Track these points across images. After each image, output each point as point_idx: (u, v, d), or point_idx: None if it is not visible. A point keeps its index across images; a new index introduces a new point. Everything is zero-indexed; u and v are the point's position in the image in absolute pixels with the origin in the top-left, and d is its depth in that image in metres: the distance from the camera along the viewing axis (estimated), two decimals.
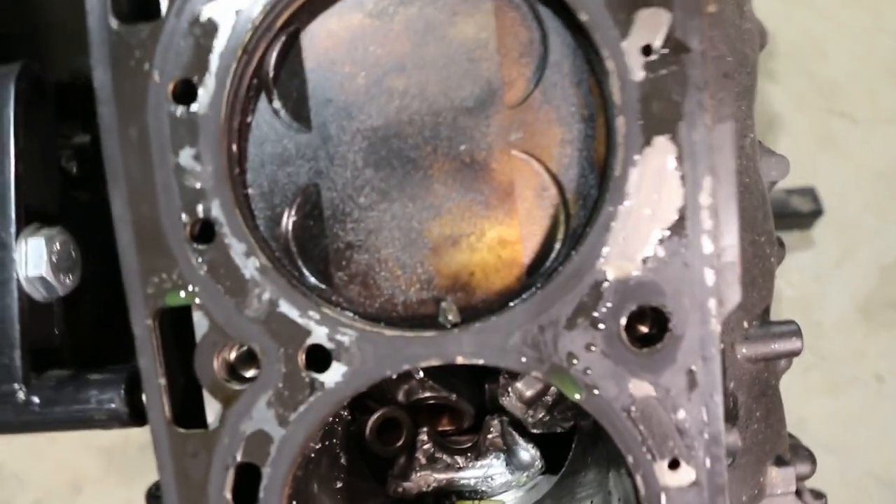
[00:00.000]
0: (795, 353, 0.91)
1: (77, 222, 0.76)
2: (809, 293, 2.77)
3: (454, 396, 0.89)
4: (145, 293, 0.57)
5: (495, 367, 0.55)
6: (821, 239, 2.85)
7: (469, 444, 0.90)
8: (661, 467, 0.56)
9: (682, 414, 0.55)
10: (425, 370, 0.88)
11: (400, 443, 0.87)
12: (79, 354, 0.76)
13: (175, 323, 0.60)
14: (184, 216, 0.56)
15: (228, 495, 0.58)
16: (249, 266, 0.56)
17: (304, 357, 0.56)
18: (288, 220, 0.58)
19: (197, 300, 0.56)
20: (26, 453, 2.60)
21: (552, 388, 0.86)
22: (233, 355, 0.57)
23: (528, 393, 0.87)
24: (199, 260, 0.56)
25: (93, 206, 0.82)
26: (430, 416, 0.93)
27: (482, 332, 0.55)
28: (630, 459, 0.56)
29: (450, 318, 0.56)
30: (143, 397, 0.59)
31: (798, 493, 0.99)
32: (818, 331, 2.70)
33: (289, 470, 0.57)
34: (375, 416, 0.86)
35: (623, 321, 0.54)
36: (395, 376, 0.55)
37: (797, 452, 0.99)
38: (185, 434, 0.58)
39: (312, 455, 0.67)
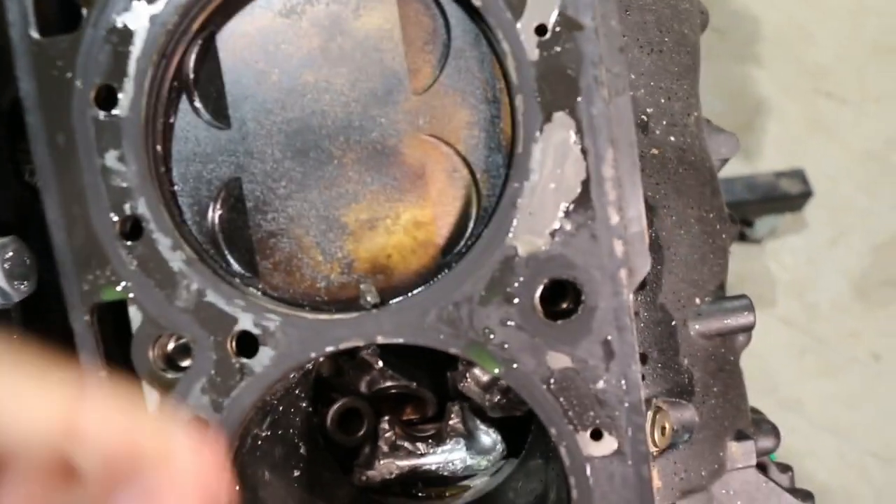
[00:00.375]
0: (749, 328, 0.92)
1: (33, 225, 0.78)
2: (803, 275, 2.77)
3: (415, 385, 0.90)
4: (81, 290, 0.59)
5: (415, 345, 0.57)
6: (813, 221, 2.85)
7: (432, 432, 0.92)
8: (584, 438, 0.58)
9: (601, 384, 0.57)
10: (385, 360, 0.90)
11: (362, 432, 0.89)
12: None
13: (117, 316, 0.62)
14: (112, 215, 0.58)
15: None
16: (177, 259, 0.58)
17: (233, 344, 0.58)
18: (214, 214, 0.61)
19: (130, 294, 0.59)
20: None
21: None
22: (169, 345, 0.59)
23: (485, 378, 0.89)
24: (130, 256, 0.58)
25: None
26: (394, 406, 0.95)
27: (399, 311, 0.57)
28: (553, 431, 0.58)
29: (369, 299, 0.58)
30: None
31: (763, 467, 1.00)
32: (813, 312, 2.70)
33: (226, 454, 0.59)
34: (336, 406, 0.88)
35: (536, 295, 0.56)
36: (322, 359, 0.58)
37: (760, 427, 1.00)
38: None
39: (260, 442, 0.69)
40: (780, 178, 2.62)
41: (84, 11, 0.58)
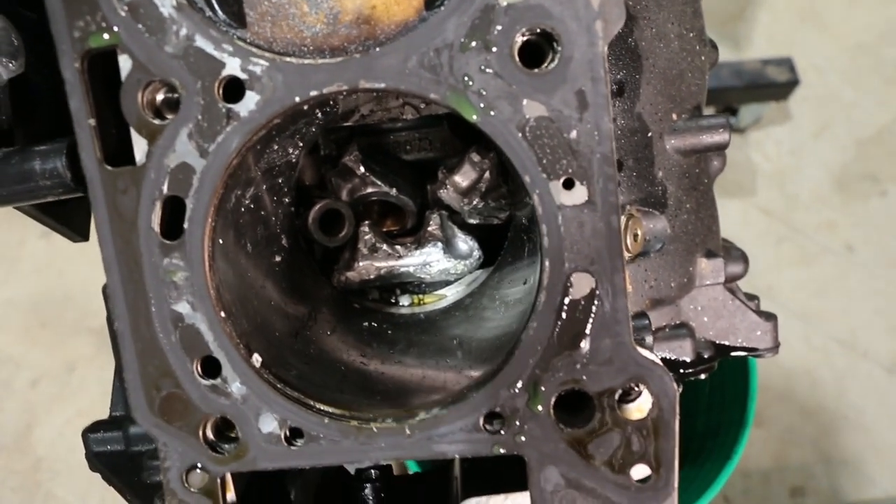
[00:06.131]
0: (723, 146, 0.94)
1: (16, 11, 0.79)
2: (785, 165, 2.81)
3: (395, 191, 0.93)
4: (72, 38, 0.60)
5: (397, 92, 0.59)
6: (798, 112, 2.87)
7: (411, 239, 0.95)
8: (556, 186, 0.60)
9: (574, 134, 0.59)
10: (367, 168, 0.92)
11: (342, 233, 0.92)
12: (30, 137, 0.79)
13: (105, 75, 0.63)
14: None
15: (157, 227, 0.62)
16: (166, 4, 0.59)
17: (220, 89, 0.60)
18: None
19: (120, 40, 0.60)
20: (21, 338, 2.68)
21: (485, 176, 0.91)
22: (158, 96, 0.61)
23: (464, 183, 0.91)
24: (120, 1, 0.59)
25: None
26: (375, 216, 0.98)
27: (381, 56, 0.58)
28: (527, 179, 0.60)
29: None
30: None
31: (731, 291, 1.04)
32: (793, 203, 2.74)
33: (210, 200, 0.62)
34: (318, 206, 0.91)
35: (514, 43, 0.58)
36: (305, 107, 0.59)
37: (730, 253, 1.04)
38: (114, 171, 0.62)
39: (243, 209, 0.72)
40: (766, 66, 2.62)
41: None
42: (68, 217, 0.93)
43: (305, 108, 0.60)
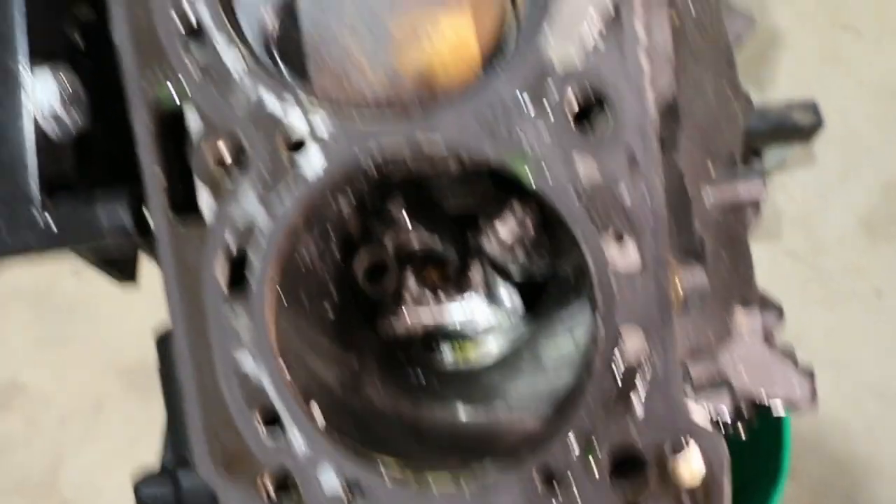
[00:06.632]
0: (760, 200, 0.96)
1: (83, 66, 0.82)
2: (812, 209, 2.80)
3: (438, 240, 0.95)
4: (143, 93, 0.63)
5: (455, 152, 0.61)
6: (824, 155, 2.87)
7: (454, 289, 0.97)
8: (609, 244, 0.62)
9: (625, 193, 0.61)
10: (411, 216, 0.95)
11: (388, 284, 0.94)
12: (86, 182, 0.82)
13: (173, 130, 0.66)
14: (174, 15, 0.62)
15: (222, 281, 0.65)
16: (235, 64, 0.62)
17: (285, 147, 0.62)
18: (268, 22, 0.65)
19: (190, 97, 0.63)
20: (50, 376, 2.70)
21: (527, 226, 0.93)
22: (224, 148, 0.64)
23: (506, 234, 0.93)
24: (191, 58, 0.62)
25: (99, 51, 0.87)
26: (418, 265, 1.00)
27: (440, 116, 0.61)
28: (580, 237, 0.62)
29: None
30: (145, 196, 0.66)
31: (769, 342, 1.05)
32: (819, 246, 2.73)
33: (274, 256, 0.64)
34: (364, 256, 0.93)
35: (569, 106, 0.60)
36: (369, 166, 0.62)
37: (766, 304, 1.05)
38: (180, 222, 0.65)
39: (300, 264, 0.74)
40: (791, 109, 2.63)
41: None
42: (117, 259, 0.96)
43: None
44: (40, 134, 0.78)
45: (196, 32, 0.62)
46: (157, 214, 0.65)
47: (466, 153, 0.60)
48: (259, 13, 0.65)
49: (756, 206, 1.00)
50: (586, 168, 0.61)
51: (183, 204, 0.65)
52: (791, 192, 2.85)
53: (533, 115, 0.60)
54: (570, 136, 0.61)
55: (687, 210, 0.94)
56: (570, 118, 0.60)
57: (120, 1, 0.62)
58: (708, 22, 0.96)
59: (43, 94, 0.77)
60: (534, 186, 0.61)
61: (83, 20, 0.98)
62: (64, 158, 0.81)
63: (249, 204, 0.64)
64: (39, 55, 0.79)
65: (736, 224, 0.99)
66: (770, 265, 2.76)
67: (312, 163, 0.62)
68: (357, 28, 0.63)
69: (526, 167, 0.61)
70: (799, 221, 2.82)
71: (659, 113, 0.84)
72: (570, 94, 0.60)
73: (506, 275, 0.96)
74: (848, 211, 2.86)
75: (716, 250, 0.97)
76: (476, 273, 0.95)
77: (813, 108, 2.79)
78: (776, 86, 2.93)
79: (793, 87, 2.93)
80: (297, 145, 0.62)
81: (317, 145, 0.62)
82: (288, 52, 0.65)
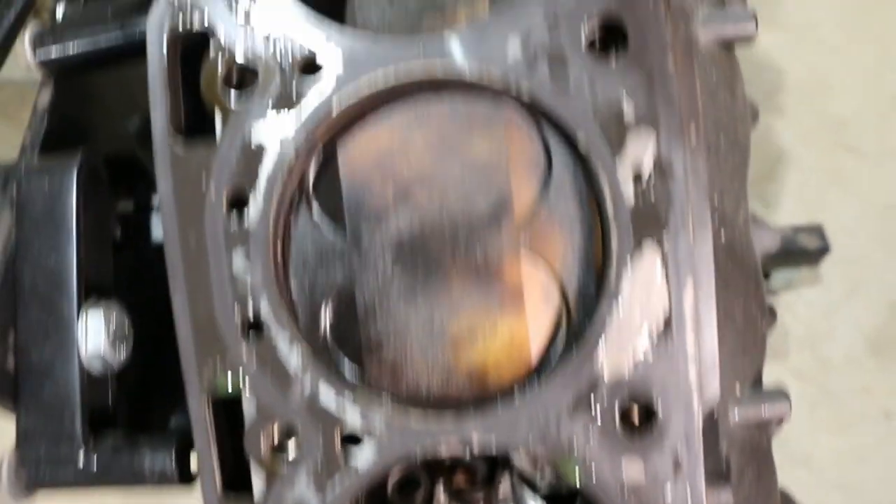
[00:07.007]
0: (784, 418, 0.97)
1: (122, 286, 0.84)
2: (818, 329, 2.82)
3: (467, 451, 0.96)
4: (201, 381, 0.65)
5: (506, 451, 0.63)
6: (829, 275, 2.89)
7: (482, 500, 0.97)
8: None
9: (668, 494, 0.63)
10: None
11: (419, 498, 0.94)
12: (130, 418, 0.84)
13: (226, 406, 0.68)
14: (236, 311, 0.64)
15: None
16: (292, 356, 0.64)
17: (339, 438, 0.64)
18: (325, 318, 0.67)
19: (247, 387, 0.65)
20: None
21: None
22: (277, 436, 0.65)
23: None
24: (249, 352, 0.64)
25: (136, 271, 0.90)
26: (446, 474, 1.00)
27: (493, 419, 0.63)
28: None
29: None
30: (193, 464, 0.67)
31: None
32: (826, 367, 2.74)
33: None
34: (395, 471, 0.93)
35: (617, 414, 0.62)
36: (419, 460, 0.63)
37: None
38: (234, 498, 0.66)
39: None
40: (798, 233, 2.67)
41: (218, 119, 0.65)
42: None
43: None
44: (84, 371, 0.80)
45: (256, 326, 0.64)
46: (209, 493, 0.66)
47: (517, 452, 0.62)
48: (316, 299, 0.67)
49: (780, 421, 1.02)
50: (631, 469, 0.63)
51: (234, 481, 0.67)
52: (797, 311, 2.87)
53: (582, 418, 0.62)
54: (617, 439, 0.62)
55: (716, 433, 0.96)
56: (618, 424, 0.62)
57: (182, 290, 0.65)
58: (738, 245, 0.98)
59: (92, 335, 0.79)
60: (579, 485, 0.63)
61: (121, 213, 1.01)
62: (106, 394, 0.82)
63: (301, 489, 0.65)
64: (90, 293, 0.81)
65: (760, 437, 1.01)
66: (777, 385, 2.75)
67: (365, 454, 0.64)
68: (415, 325, 0.65)
69: (575, 467, 0.63)
70: (805, 341, 2.83)
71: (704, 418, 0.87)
72: (617, 401, 0.62)
73: (534, 487, 0.97)
74: (855, 330, 2.87)
75: (741, 467, 0.98)
76: (504, 486, 0.95)
77: (819, 233, 2.82)
78: (781, 206, 2.97)
79: (798, 205, 2.98)
80: (352, 439, 0.64)
81: (371, 441, 0.63)
82: (342, 342, 0.67)
